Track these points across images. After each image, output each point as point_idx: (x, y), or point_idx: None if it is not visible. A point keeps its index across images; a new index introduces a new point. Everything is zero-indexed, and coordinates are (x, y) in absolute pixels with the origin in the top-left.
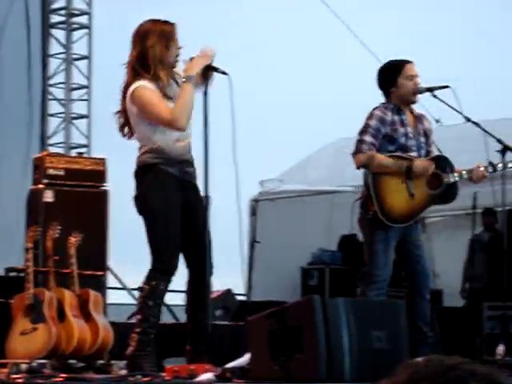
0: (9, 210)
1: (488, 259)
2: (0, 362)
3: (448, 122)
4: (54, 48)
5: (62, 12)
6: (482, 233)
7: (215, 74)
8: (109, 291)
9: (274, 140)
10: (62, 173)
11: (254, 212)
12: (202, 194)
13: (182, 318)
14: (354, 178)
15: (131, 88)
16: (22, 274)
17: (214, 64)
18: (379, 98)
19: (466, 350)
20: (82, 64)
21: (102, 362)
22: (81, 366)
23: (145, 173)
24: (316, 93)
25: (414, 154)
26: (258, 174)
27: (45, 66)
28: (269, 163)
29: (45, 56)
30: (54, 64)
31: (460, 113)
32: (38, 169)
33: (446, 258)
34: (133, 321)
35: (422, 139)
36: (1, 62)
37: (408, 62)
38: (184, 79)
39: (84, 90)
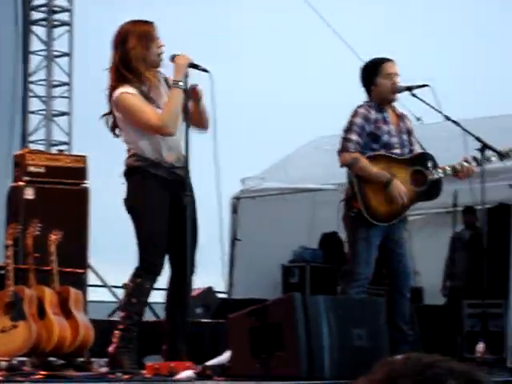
0: None
1: (468, 257)
2: None
3: (428, 120)
4: (35, 45)
5: (43, 9)
6: (463, 231)
7: (193, 72)
8: (89, 289)
9: (255, 138)
10: (42, 170)
11: (235, 210)
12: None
13: (163, 315)
14: (335, 175)
15: (114, 94)
16: (1, 272)
17: (195, 62)
18: (359, 97)
19: (446, 348)
20: (63, 61)
21: (82, 359)
22: (61, 364)
23: (132, 175)
24: (296, 92)
25: (397, 151)
26: (239, 171)
27: (26, 62)
28: (250, 161)
29: (26, 53)
30: (34, 61)
31: (439, 111)
32: (19, 166)
33: (427, 256)
34: (114, 318)
35: (405, 137)
36: None
37: (388, 60)
38: (173, 84)
39: (65, 87)
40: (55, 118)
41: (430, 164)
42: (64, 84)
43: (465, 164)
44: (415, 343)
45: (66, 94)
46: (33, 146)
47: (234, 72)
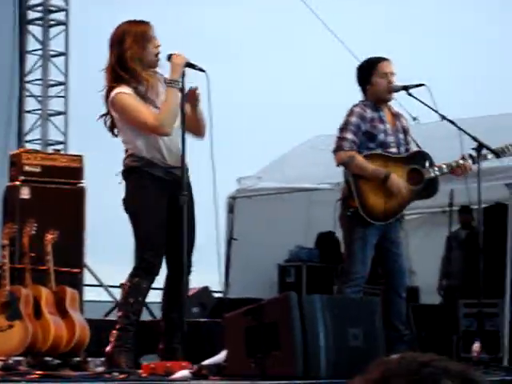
0: None
1: (464, 256)
2: None
3: (425, 120)
4: (31, 44)
5: (39, 8)
6: (459, 230)
7: (190, 71)
8: (85, 288)
9: (252, 137)
10: (38, 170)
11: (231, 209)
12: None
13: (159, 315)
14: (331, 175)
15: (111, 95)
16: None
17: (192, 61)
18: (355, 96)
19: (442, 348)
20: (59, 61)
21: (78, 359)
22: (57, 363)
23: (129, 175)
24: (292, 92)
25: (393, 150)
26: (236, 171)
27: (22, 62)
28: (246, 160)
29: (22, 52)
30: (30, 60)
31: (435, 111)
32: (15, 165)
33: (423, 256)
34: (110, 318)
35: (401, 136)
36: None
37: (384, 59)
38: (169, 83)
39: (61, 87)
40: (51, 118)
41: (426, 162)
42: (60, 83)
43: (461, 162)
44: (411, 343)
45: (62, 94)
46: (29, 146)
47: (231, 72)
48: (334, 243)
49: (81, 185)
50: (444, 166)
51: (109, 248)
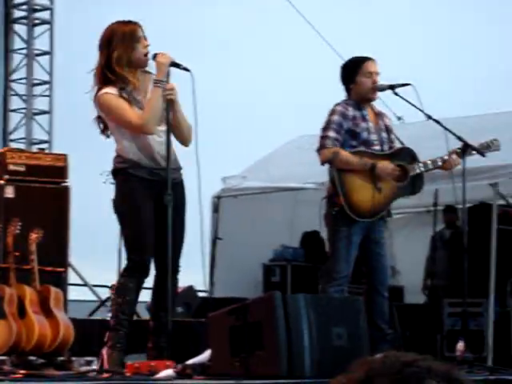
0: None
1: (449, 256)
2: None
3: (410, 119)
4: (16, 43)
5: (24, 7)
6: (443, 230)
7: (174, 71)
8: (70, 287)
9: (237, 137)
10: (22, 168)
11: (216, 209)
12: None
13: (144, 314)
14: (316, 175)
15: (97, 95)
16: None
17: (177, 61)
18: (340, 96)
19: (426, 347)
20: (44, 59)
21: (62, 358)
22: (41, 363)
23: (116, 176)
24: (277, 91)
25: (376, 147)
26: (221, 170)
27: (6, 61)
28: (231, 160)
29: (6, 51)
30: (15, 59)
31: (421, 110)
32: None
33: (408, 255)
34: (94, 317)
35: (384, 135)
36: None
37: (368, 59)
38: (155, 83)
39: (46, 86)
40: (36, 117)
41: (410, 159)
42: (45, 82)
43: (446, 157)
44: (394, 342)
45: (46, 93)
46: (13, 145)
47: (216, 71)
48: (318, 243)
49: (65, 184)
50: (429, 162)
51: (93, 247)
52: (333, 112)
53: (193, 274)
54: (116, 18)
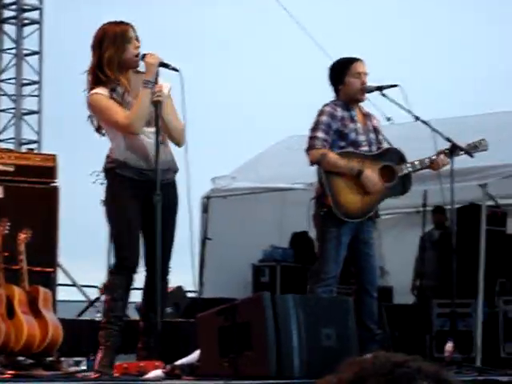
0: None
1: (438, 257)
2: None
3: (399, 120)
4: (5, 43)
5: (13, 7)
6: (433, 230)
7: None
8: (59, 288)
9: (226, 137)
10: (11, 169)
11: (205, 209)
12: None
13: (134, 315)
14: (305, 175)
15: (88, 96)
16: None
17: (166, 61)
18: (329, 96)
19: (415, 347)
20: (33, 60)
21: (51, 358)
22: (30, 363)
23: (106, 177)
24: (267, 92)
25: (364, 148)
26: (210, 171)
27: None
28: (221, 160)
29: None
30: (4, 59)
31: (409, 111)
32: None
33: (397, 256)
34: (83, 318)
35: (372, 135)
36: None
37: (356, 60)
38: (143, 83)
39: (35, 86)
40: (25, 117)
41: (398, 159)
42: (34, 83)
43: (434, 157)
44: (383, 342)
45: (35, 93)
46: (2, 145)
47: (205, 71)
48: (308, 243)
49: (54, 184)
50: (417, 163)
51: (82, 248)
52: (321, 113)
53: (182, 274)
54: (106, 19)
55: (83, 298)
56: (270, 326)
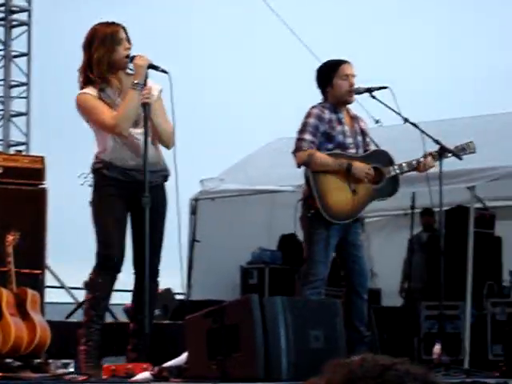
0: None
1: (426, 259)
2: None
3: (390, 122)
4: None
5: (2, 9)
6: (421, 233)
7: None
8: (47, 290)
9: (214, 139)
10: None
11: (193, 211)
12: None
13: (121, 317)
14: (293, 177)
15: (76, 95)
16: None
17: (155, 63)
18: (317, 98)
19: (403, 350)
20: (22, 61)
21: (39, 360)
22: (18, 365)
23: (93, 177)
24: (255, 93)
25: (352, 151)
26: (198, 172)
27: None
28: (209, 162)
29: None
30: None
31: (398, 113)
32: None
33: (385, 258)
34: (71, 320)
35: (359, 138)
36: None
37: (344, 62)
38: (132, 85)
39: (23, 88)
40: (13, 119)
41: (386, 161)
42: (22, 84)
43: (421, 159)
44: (372, 344)
45: (24, 95)
46: None
47: (194, 73)
48: (296, 245)
49: (42, 186)
50: (404, 165)
51: (70, 249)
52: (309, 115)
53: (170, 276)
54: (94, 21)
55: (71, 300)
56: (258, 328)
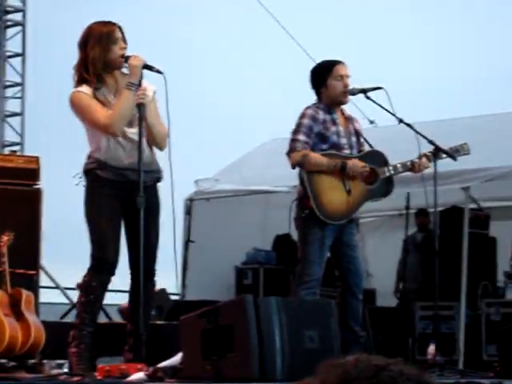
0: None
1: (421, 259)
2: None
3: (383, 122)
4: None
5: None
6: (416, 233)
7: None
8: (41, 290)
9: (210, 139)
10: None
11: (188, 211)
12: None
13: (116, 317)
14: (288, 177)
15: (70, 93)
16: None
17: (149, 63)
18: (312, 98)
19: (398, 350)
20: (16, 61)
21: (33, 361)
22: (12, 366)
23: (86, 178)
24: (250, 94)
25: (346, 151)
26: (194, 173)
27: None
28: (204, 162)
29: None
30: None
31: (393, 114)
32: None
33: (380, 258)
34: (66, 320)
35: (354, 139)
36: None
37: (338, 62)
38: (127, 85)
39: (18, 88)
40: (8, 119)
41: (381, 161)
42: (17, 84)
43: (416, 160)
44: (366, 344)
45: (18, 95)
46: None
47: (189, 73)
48: (291, 245)
49: (37, 186)
50: (399, 166)
51: (65, 250)
52: (303, 115)
53: (165, 276)
54: (88, 21)
55: (66, 301)
56: (252, 329)
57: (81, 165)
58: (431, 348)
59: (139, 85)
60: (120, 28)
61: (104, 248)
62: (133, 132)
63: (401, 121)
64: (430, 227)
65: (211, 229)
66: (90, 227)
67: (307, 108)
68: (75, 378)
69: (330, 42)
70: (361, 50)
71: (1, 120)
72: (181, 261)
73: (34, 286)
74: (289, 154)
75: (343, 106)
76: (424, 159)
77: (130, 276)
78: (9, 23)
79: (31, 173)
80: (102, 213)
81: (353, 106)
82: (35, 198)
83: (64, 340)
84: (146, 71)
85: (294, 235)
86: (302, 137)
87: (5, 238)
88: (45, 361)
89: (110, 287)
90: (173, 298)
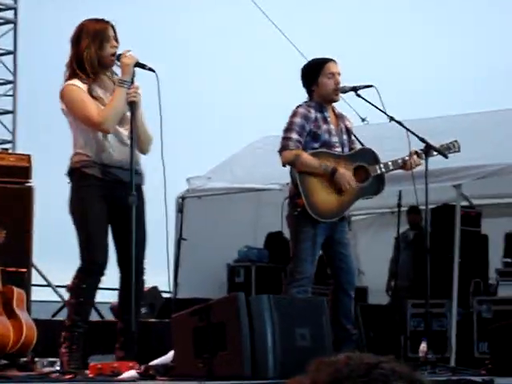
0: None
1: (413, 257)
2: None
3: (374, 120)
4: None
5: None
6: (407, 231)
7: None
8: (33, 288)
9: (201, 137)
10: None
11: (180, 209)
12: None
13: (108, 315)
14: (280, 175)
15: (62, 86)
16: None
17: (142, 61)
18: (303, 96)
19: (390, 348)
20: (8, 59)
21: (25, 359)
22: (4, 364)
23: (71, 177)
24: (241, 92)
25: (337, 149)
26: (185, 171)
27: None
28: (196, 160)
29: None
30: None
31: (383, 112)
32: None
33: (371, 256)
34: (57, 318)
35: (345, 137)
36: None
37: (329, 60)
38: (119, 83)
39: (9, 86)
40: None
41: (372, 159)
42: (8, 82)
43: (407, 158)
44: (358, 342)
45: (10, 93)
46: None
47: (180, 71)
48: (283, 243)
49: (29, 184)
50: (390, 163)
51: (57, 248)
52: (295, 114)
53: (157, 274)
54: (81, 19)
55: (58, 299)
56: (244, 327)
57: None
58: (423, 346)
59: (131, 83)
60: (113, 26)
61: (93, 249)
62: (122, 131)
63: (392, 118)
64: (421, 225)
65: (203, 227)
66: (78, 228)
67: (299, 106)
68: (67, 376)
69: (327, 42)
70: (360, 50)
71: None
72: (173, 259)
73: (25, 284)
74: (281, 152)
75: (334, 104)
76: (415, 157)
77: (119, 274)
78: (0, 21)
79: (23, 171)
80: (92, 213)
81: (344, 104)
82: (27, 195)
83: (56, 338)
84: (138, 69)
85: (286, 233)
86: (294, 135)
87: None
88: (36, 359)
89: (101, 285)
90: (165, 295)
